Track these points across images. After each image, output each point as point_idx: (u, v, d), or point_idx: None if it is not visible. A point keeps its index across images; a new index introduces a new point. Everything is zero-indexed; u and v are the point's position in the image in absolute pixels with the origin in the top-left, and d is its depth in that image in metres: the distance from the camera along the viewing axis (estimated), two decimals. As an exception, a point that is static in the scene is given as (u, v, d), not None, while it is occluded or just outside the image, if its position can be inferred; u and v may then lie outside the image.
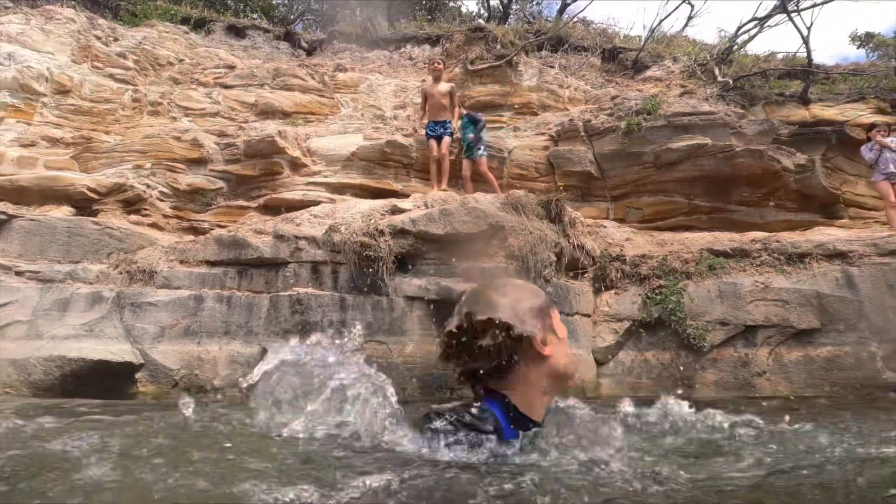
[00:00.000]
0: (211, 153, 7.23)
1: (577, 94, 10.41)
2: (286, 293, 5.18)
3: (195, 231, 6.51)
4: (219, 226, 6.52)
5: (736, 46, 9.62)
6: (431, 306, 5.02)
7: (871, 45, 11.75)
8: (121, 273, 5.37)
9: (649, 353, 5.76)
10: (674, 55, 11.18)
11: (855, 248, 5.42)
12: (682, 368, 5.58)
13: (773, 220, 7.54)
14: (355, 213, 5.59)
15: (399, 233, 5.18)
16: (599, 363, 5.80)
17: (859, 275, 5.27)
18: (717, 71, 9.26)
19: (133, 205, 6.50)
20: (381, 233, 5.18)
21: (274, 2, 16.89)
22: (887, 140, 6.47)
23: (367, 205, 5.80)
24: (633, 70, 11.42)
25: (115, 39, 8.35)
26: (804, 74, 8.46)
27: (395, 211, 5.44)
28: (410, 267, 5.19)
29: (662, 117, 7.67)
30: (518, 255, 5.26)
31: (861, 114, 8.27)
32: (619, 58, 11.91)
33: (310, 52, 12.20)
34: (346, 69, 10.69)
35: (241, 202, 6.93)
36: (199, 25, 11.20)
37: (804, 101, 8.45)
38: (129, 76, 7.92)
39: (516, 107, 9.78)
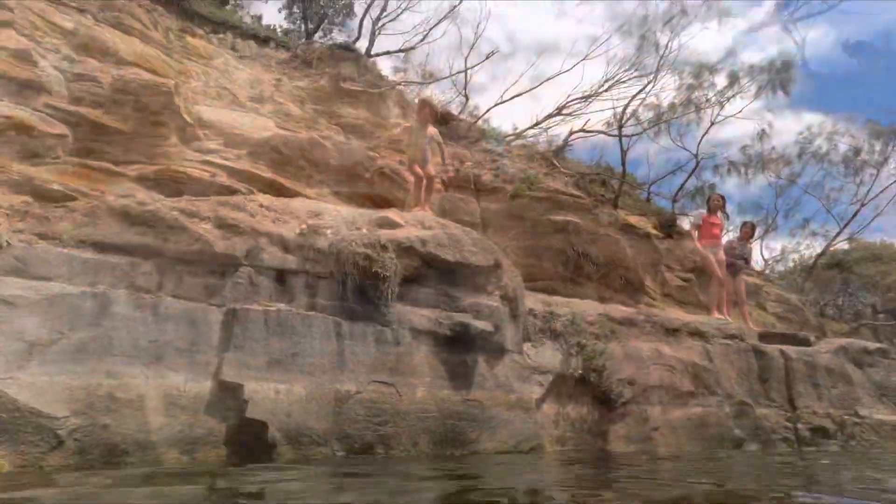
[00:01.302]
0: (51, 80, 4.78)
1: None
2: (257, 307, 3.69)
3: (36, 192, 4.10)
4: (77, 190, 4.25)
5: (569, 147, 11.48)
6: (440, 344, 4.28)
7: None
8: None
9: (569, 407, 6.03)
10: (497, 138, 12.59)
11: (708, 329, 6.92)
12: (597, 421, 6.01)
13: (605, 296, 8.99)
14: (336, 216, 4.47)
15: (404, 252, 4.33)
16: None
17: (713, 350, 6.72)
18: (556, 162, 10.84)
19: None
20: (385, 248, 4.25)
21: None
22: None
23: (345, 209, 4.70)
24: (466, 139, 12.40)
25: None
26: (619, 184, 10.61)
27: (388, 224, 4.56)
28: (411, 293, 4.36)
29: (544, 190, 8.52)
30: (511, 297, 4.99)
31: (646, 226, 10.77)
32: (450, 124, 12.80)
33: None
34: (196, 34, 8.68)
35: (105, 164, 4.70)
36: None
37: (615, 205, 10.56)
38: None
39: (385, 139, 9.47)
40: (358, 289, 4.07)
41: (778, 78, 10.37)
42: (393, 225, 4.56)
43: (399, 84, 10.57)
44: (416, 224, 4.68)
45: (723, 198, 8.20)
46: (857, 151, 13.27)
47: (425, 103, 6.35)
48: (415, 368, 4.05)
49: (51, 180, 4.21)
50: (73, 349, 3.08)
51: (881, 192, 13.25)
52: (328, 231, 4.19)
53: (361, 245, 4.15)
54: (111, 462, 2.94)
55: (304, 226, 4.17)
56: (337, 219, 4.39)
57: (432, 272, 4.48)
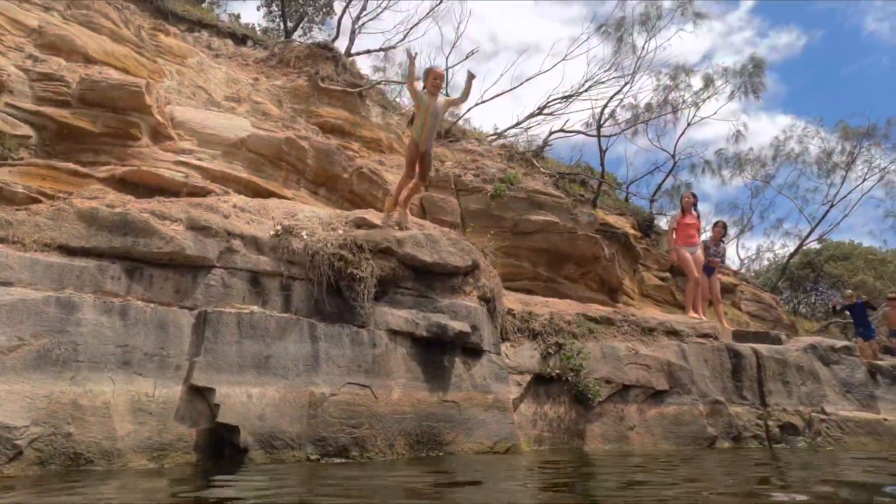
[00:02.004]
0: (13, 81, 4.65)
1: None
2: (230, 310, 3.63)
3: (-3, 192, 3.97)
4: (41, 193, 4.13)
5: (549, 146, 11.55)
6: (418, 345, 4.26)
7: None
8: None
9: (547, 406, 6.06)
10: (478, 138, 12.62)
11: (683, 328, 7.01)
12: (574, 421, 6.05)
13: (583, 296, 9.06)
14: (311, 217, 4.42)
15: (380, 252, 4.31)
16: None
17: (688, 350, 6.81)
18: (535, 162, 10.89)
19: None
20: (361, 248, 4.22)
21: None
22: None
23: (322, 210, 4.66)
24: (447, 139, 12.38)
25: None
26: (598, 184, 10.72)
27: (365, 225, 4.53)
28: (387, 294, 4.34)
29: (524, 190, 8.56)
30: (489, 297, 5.00)
31: (624, 226, 10.89)
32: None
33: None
34: (170, 33, 8.54)
35: (72, 165, 4.58)
36: None
37: (594, 204, 10.65)
38: None
39: (365, 139, 9.42)
40: (333, 290, 4.03)
41: (749, 81, 10.58)
42: (370, 225, 4.53)
43: (379, 83, 10.52)
44: (393, 225, 4.65)
45: (694, 195, 8.31)
46: (828, 153, 13.58)
47: (431, 72, 5.06)
48: (391, 370, 4.04)
49: (13, 182, 4.08)
50: (36, 356, 3.00)
51: (849, 192, 13.58)
52: (303, 232, 4.14)
53: (337, 246, 4.11)
54: (74, 471, 2.86)
55: (278, 227, 4.12)
56: (313, 219, 4.35)
57: (409, 273, 4.47)
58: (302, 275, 4.05)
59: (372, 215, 4.71)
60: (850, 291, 10.90)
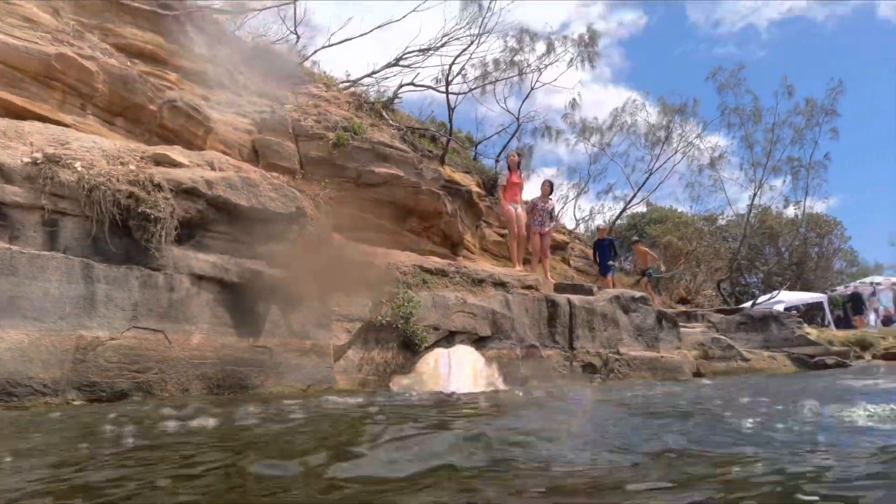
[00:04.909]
0: None
1: (251, 85, 9.88)
2: (-29, 246, 3.05)
3: None
4: None
5: (398, 99, 11.42)
6: (227, 291, 4.00)
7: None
8: None
9: (375, 352, 6.18)
10: (326, 83, 12.08)
11: (509, 280, 7.52)
12: (401, 364, 6.25)
13: (426, 249, 9.29)
14: (91, 148, 3.86)
15: (185, 193, 3.92)
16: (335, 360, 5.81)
17: (512, 300, 7.34)
18: (385, 114, 10.73)
19: None
20: (159, 187, 3.80)
21: None
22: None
23: (108, 142, 4.08)
24: (289, 80, 11.61)
25: None
26: (447, 141, 10.90)
27: (167, 162, 4.08)
28: (193, 238, 3.99)
29: (369, 141, 8.40)
30: (315, 246, 4.85)
31: (469, 184, 11.28)
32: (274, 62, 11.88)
33: None
34: None
35: None
36: None
37: (442, 161, 10.85)
38: None
39: (186, 70, 8.43)
40: (121, 230, 3.59)
41: (585, 51, 11.34)
42: (172, 163, 4.08)
43: (201, 10, 9.41)
44: (203, 164, 4.25)
45: (519, 154, 8.85)
46: (652, 126, 15.20)
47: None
48: (192, 315, 3.75)
49: None
50: None
51: (665, 162, 15.39)
52: (77, 164, 3.59)
53: (125, 182, 3.65)
54: None
55: (37, 154, 3.52)
56: (93, 150, 3.79)
57: (223, 216, 4.14)
58: (76, 211, 3.53)
59: (177, 153, 4.24)
60: (601, 225, 12.04)
